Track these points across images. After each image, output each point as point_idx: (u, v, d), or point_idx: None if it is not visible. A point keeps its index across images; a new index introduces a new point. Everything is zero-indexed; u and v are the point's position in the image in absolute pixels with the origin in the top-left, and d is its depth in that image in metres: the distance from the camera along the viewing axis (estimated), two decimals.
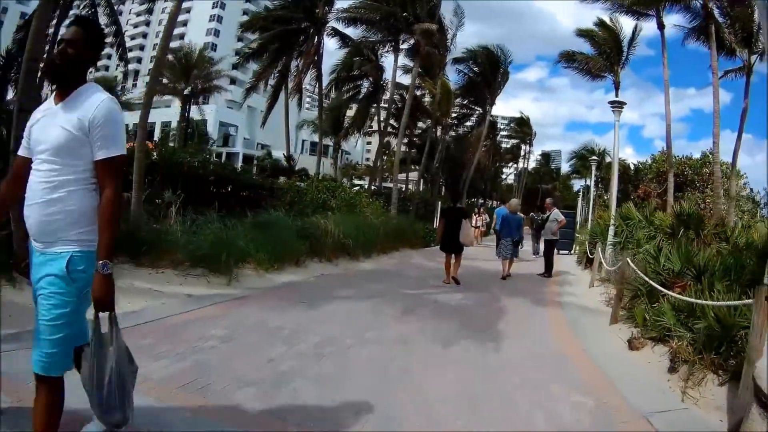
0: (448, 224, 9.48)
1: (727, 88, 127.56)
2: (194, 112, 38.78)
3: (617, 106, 12.50)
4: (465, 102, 37.41)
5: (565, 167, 68.56)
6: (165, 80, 35.10)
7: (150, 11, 75.09)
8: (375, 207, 15.58)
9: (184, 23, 69.49)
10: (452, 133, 40.43)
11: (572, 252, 20.31)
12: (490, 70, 31.87)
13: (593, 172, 21.95)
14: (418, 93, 33.82)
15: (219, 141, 53.68)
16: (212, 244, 7.44)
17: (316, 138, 41.33)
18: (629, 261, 6.71)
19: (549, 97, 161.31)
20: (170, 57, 34.99)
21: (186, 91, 29.62)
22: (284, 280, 7.96)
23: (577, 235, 22.36)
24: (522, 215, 12.49)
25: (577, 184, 63.34)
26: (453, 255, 9.42)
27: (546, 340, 5.63)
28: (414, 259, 13.06)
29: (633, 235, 11.77)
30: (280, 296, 6.75)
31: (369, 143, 72.58)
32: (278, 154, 38.89)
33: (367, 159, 71.38)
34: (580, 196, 48.28)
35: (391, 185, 24.34)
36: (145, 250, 7.09)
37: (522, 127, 52.14)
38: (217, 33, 65.90)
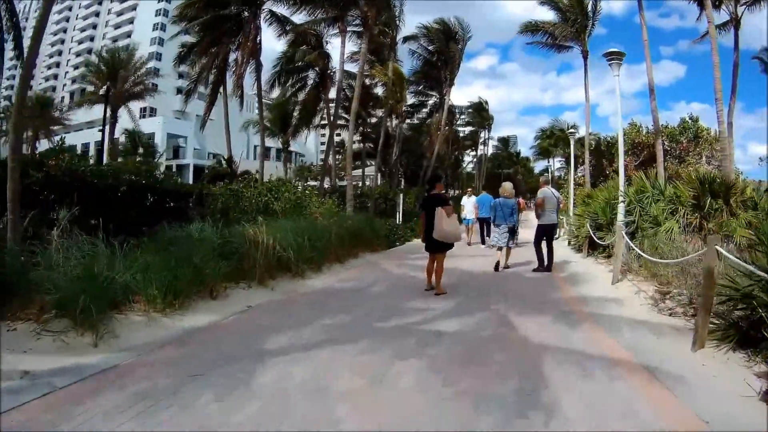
0: (428, 218, 7.18)
1: (682, 60, 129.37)
2: (141, 124, 35.57)
3: (615, 57, 10.25)
4: (420, 88, 35.16)
5: (525, 151, 68.12)
6: (92, 88, 31.59)
7: (94, 26, 71.15)
8: (327, 206, 12.96)
9: (128, 34, 65.60)
10: (408, 122, 38.29)
11: (558, 236, 18.15)
12: (446, 47, 29.51)
13: (572, 147, 19.75)
14: (369, 82, 31.71)
15: (169, 153, 51.68)
16: (75, 281, 4.70)
17: (268, 142, 38.70)
18: (720, 249, 4.26)
19: (501, 83, 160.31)
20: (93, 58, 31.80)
21: (101, 90, 25.95)
22: (186, 325, 5.16)
23: (560, 217, 20.26)
24: (515, 199, 10.41)
25: (539, 166, 63.19)
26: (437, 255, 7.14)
27: (632, 406, 3.12)
28: (378, 265, 10.34)
29: (646, 211, 9.57)
30: (165, 363, 4.01)
31: (323, 144, 69.66)
32: None
33: (322, 160, 68.01)
34: (549, 176, 46.91)
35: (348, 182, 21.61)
36: (5, 295, 4.66)
37: (480, 113, 50.81)
38: (161, 42, 61.37)
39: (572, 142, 19.61)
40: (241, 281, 6.96)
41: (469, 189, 16.58)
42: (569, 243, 14.77)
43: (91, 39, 70.64)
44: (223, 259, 6.66)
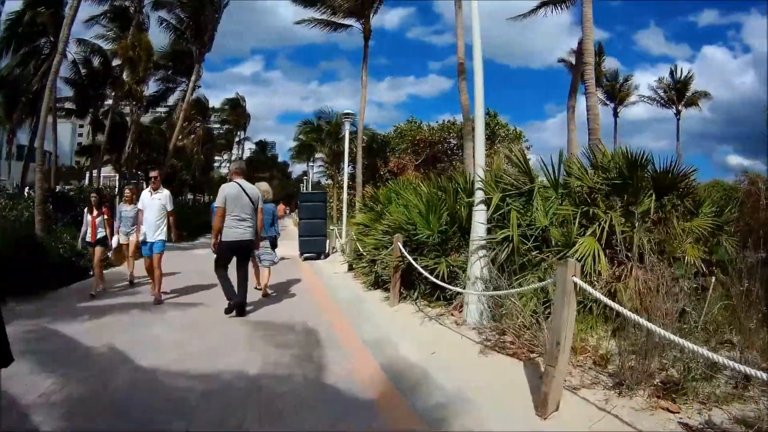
0: None
1: (449, 74, 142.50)
2: None
3: None
4: (170, 73, 28.35)
5: (283, 157, 69.39)
6: None
7: None
8: None
9: None
10: (161, 111, 30.67)
11: (325, 254, 13.16)
12: (201, 14, 23.14)
13: (347, 135, 14.90)
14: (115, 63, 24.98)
15: None
16: None
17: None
18: None
19: (263, 90, 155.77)
20: None
21: None
22: None
23: (331, 228, 15.34)
24: (274, 205, 7.89)
25: (297, 170, 65.54)
26: None
27: None
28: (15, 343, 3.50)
29: (529, 221, 4.85)
30: None
31: (81, 135, 59.04)
32: None
33: (77, 162, 51.58)
34: (307, 182, 43.09)
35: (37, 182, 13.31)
36: None
37: (236, 109, 45.90)
38: None
39: (347, 129, 14.77)
40: None
41: (153, 174, 7.25)
42: (352, 268, 9.66)
43: None
44: None
